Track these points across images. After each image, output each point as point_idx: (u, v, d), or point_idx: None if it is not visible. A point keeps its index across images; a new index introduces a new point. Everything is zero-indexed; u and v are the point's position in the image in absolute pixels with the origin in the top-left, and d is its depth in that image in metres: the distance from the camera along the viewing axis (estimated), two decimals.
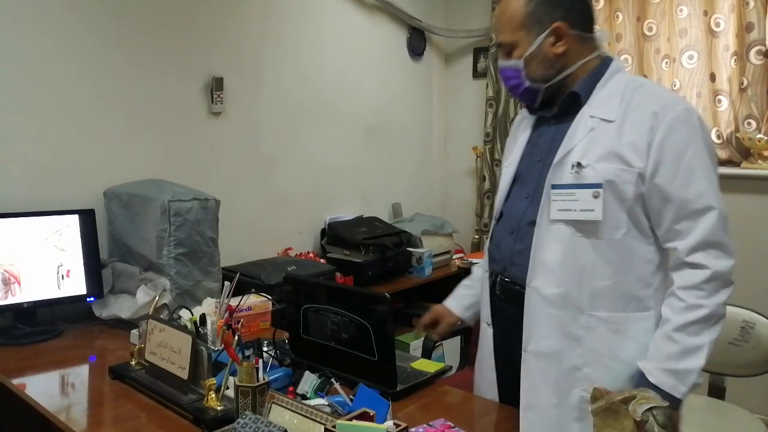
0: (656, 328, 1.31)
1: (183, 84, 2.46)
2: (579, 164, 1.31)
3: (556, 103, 1.41)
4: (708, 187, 1.26)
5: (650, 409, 1.07)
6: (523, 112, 1.54)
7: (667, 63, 2.96)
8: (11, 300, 1.87)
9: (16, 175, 2.03)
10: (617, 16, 3.08)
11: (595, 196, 1.28)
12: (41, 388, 1.57)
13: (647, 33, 3.00)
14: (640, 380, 1.27)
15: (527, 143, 1.47)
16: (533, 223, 1.37)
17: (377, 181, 3.39)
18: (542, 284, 1.34)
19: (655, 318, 1.32)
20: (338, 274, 2.65)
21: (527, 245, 1.37)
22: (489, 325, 1.53)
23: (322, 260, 2.79)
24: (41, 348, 1.83)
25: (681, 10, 2.89)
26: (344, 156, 3.19)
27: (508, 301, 1.45)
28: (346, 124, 3.19)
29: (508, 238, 1.44)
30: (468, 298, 1.68)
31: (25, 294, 1.89)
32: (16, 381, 1.58)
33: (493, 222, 1.52)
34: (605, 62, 1.38)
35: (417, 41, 3.59)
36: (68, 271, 1.98)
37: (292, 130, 2.91)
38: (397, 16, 3.42)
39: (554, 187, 1.34)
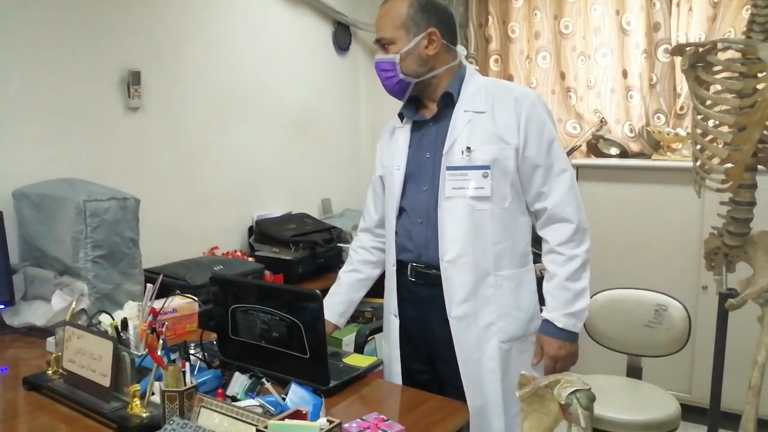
0: (535, 278, 1.64)
1: (97, 78, 2.34)
2: (468, 149, 1.56)
3: (426, 106, 1.67)
4: (562, 154, 1.58)
5: (574, 392, 1.12)
6: (394, 122, 1.74)
7: (582, 60, 3.09)
8: None
9: None
10: (535, 14, 3.19)
11: (485, 176, 1.55)
12: None
13: (564, 31, 3.12)
14: (546, 327, 1.58)
15: (410, 146, 1.67)
16: (437, 209, 1.58)
17: (306, 177, 3.36)
18: (454, 256, 1.56)
19: (534, 270, 1.65)
20: (267, 273, 2.61)
21: (437, 229, 1.58)
22: (396, 316, 1.69)
23: (250, 258, 2.74)
24: None
25: (595, 9, 3.03)
26: (271, 152, 3.14)
27: (424, 284, 1.63)
28: (272, 119, 3.14)
29: (418, 228, 1.63)
30: (340, 306, 1.81)
31: None
32: None
33: (393, 219, 1.68)
34: (463, 68, 1.65)
35: (342, 36, 3.58)
36: None
37: (215, 126, 2.84)
38: (322, 10, 3.40)
39: (449, 168, 1.57)
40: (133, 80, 2.43)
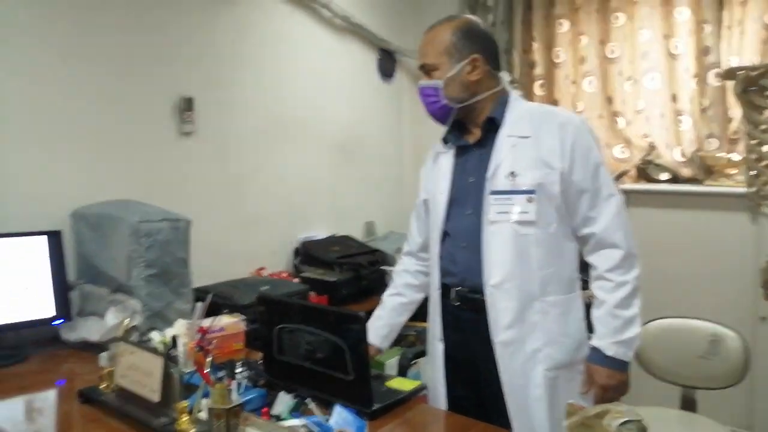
0: (583, 305, 1.60)
1: (152, 104, 2.44)
2: (512, 173, 1.55)
3: (470, 131, 1.67)
4: (608, 179, 1.56)
5: (625, 423, 1.08)
6: (437, 147, 1.75)
7: (630, 84, 3.05)
8: None
9: None
10: (580, 39, 3.17)
11: (529, 201, 1.53)
12: (6, 414, 1.52)
13: (610, 56, 3.09)
14: (595, 355, 1.54)
15: (454, 171, 1.67)
16: (480, 233, 1.57)
17: (350, 200, 3.40)
18: (498, 281, 1.55)
19: (581, 296, 1.62)
20: (312, 294, 2.62)
21: (480, 253, 1.57)
22: (440, 341, 1.68)
23: (295, 279, 2.76)
24: (5, 373, 1.77)
25: (642, 34, 2.99)
26: (316, 175, 3.19)
27: (468, 309, 1.61)
28: (318, 143, 3.20)
29: (462, 252, 1.62)
30: (383, 329, 1.82)
31: None
32: None
33: (437, 243, 1.68)
34: (507, 94, 1.66)
35: (387, 62, 3.63)
36: (34, 293, 1.93)
37: (263, 150, 2.91)
38: (367, 38, 3.46)
39: (493, 193, 1.56)
40: (186, 106, 2.52)
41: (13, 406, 1.58)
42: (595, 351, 1.54)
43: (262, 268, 2.81)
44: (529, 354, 1.55)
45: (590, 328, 1.59)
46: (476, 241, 1.58)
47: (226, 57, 2.72)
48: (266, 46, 2.90)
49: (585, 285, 1.63)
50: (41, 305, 1.94)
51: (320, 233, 3.12)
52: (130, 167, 2.37)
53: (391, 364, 2.28)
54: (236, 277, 2.57)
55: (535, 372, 1.55)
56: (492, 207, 1.56)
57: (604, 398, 1.52)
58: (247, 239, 2.82)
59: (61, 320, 1.98)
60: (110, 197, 2.20)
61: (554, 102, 3.27)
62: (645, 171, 3.03)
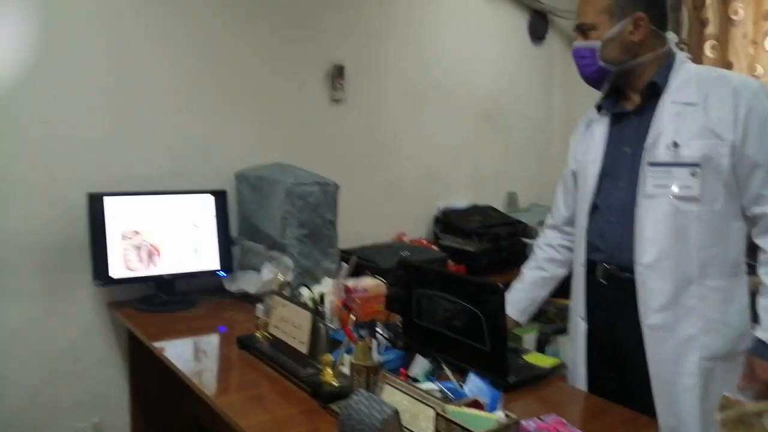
0: (748, 292, 1.46)
1: (306, 72, 2.56)
2: (675, 144, 1.42)
3: (628, 97, 1.55)
4: None
5: None
6: (591, 114, 1.65)
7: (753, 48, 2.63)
8: (154, 271, 2.06)
9: (160, 158, 2.21)
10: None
11: (693, 174, 1.40)
12: (177, 352, 1.72)
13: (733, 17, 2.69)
14: (759, 348, 1.39)
15: (607, 140, 1.57)
16: (634, 207, 1.47)
17: (493, 170, 3.34)
18: (651, 260, 1.44)
19: (747, 282, 1.47)
20: (450, 262, 2.65)
21: (633, 229, 1.47)
22: (583, 319, 1.61)
23: (434, 247, 2.80)
24: (177, 316, 2.00)
25: None
26: (460, 143, 3.17)
27: (615, 287, 1.52)
28: (462, 110, 3.17)
29: (612, 226, 1.53)
30: (522, 302, 1.78)
31: (165, 266, 2.08)
32: (156, 344, 1.74)
33: (585, 216, 1.59)
34: (672, 55, 1.52)
35: (538, 24, 3.47)
36: (203, 247, 2.15)
37: (409, 117, 2.94)
38: None
39: (651, 164, 1.45)
40: (337, 74, 2.61)
41: (183, 346, 1.79)
42: (760, 344, 1.40)
43: (403, 234, 2.87)
44: (681, 340, 1.45)
45: (755, 318, 1.44)
46: (629, 216, 1.49)
47: (375, 23, 2.76)
48: (414, 9, 2.90)
49: (752, 270, 1.47)
50: (208, 258, 2.16)
51: (461, 202, 3.11)
52: (286, 133, 2.52)
53: (529, 338, 2.25)
54: (378, 241, 2.66)
55: (688, 360, 1.44)
56: (649, 180, 1.45)
57: (766, 395, 1.39)
58: (390, 205, 2.90)
59: (224, 272, 2.19)
60: (268, 160, 2.37)
61: (728, 65, 2.93)
62: None
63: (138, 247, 2.03)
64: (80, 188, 1.99)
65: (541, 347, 1.98)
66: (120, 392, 2.19)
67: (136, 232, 2.03)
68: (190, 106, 2.27)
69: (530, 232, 2.96)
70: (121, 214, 2.01)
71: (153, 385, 2.19)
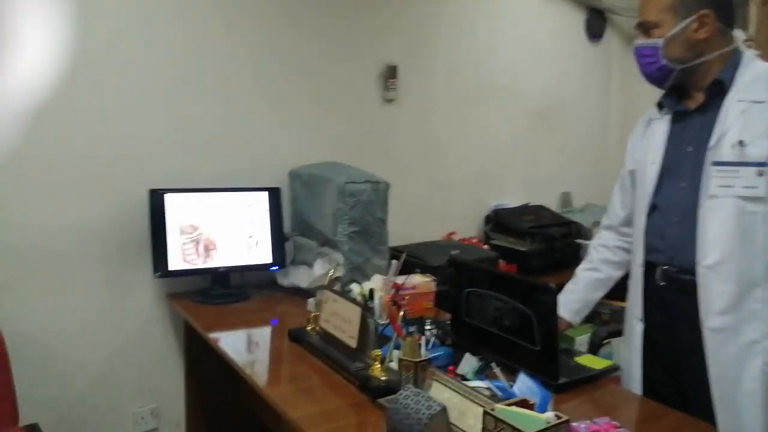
0: None
1: (360, 72, 2.58)
2: (741, 142, 1.37)
3: (690, 95, 1.50)
4: None
5: None
6: (651, 113, 1.61)
7: None
8: (210, 264, 2.12)
9: (218, 156, 2.28)
10: None
11: (760, 174, 1.35)
12: (231, 343, 1.77)
13: None
14: None
15: (668, 139, 1.53)
16: (696, 208, 1.43)
17: (546, 169, 3.29)
18: (714, 261, 1.40)
19: None
20: (502, 262, 2.62)
21: (694, 230, 1.43)
22: (640, 321, 1.56)
23: (485, 246, 2.78)
24: (232, 308, 2.06)
25: None
26: (512, 142, 3.14)
27: (675, 290, 1.48)
28: (515, 109, 3.13)
29: (673, 227, 1.49)
30: (575, 303, 1.74)
31: (220, 260, 2.14)
32: (211, 335, 1.80)
33: (643, 217, 1.55)
34: (739, 54, 1.47)
35: (595, 22, 3.39)
36: (257, 241, 2.20)
37: (461, 116, 2.93)
38: None
39: (715, 164, 1.40)
40: (390, 74, 2.62)
41: (237, 337, 1.84)
42: None
43: (453, 233, 2.86)
44: (744, 344, 1.39)
45: None
46: (690, 216, 1.44)
47: (430, 24, 2.76)
48: (468, 7, 2.89)
49: None
50: (262, 253, 2.20)
51: (513, 202, 3.08)
52: (338, 132, 2.55)
53: (582, 340, 2.20)
54: (428, 240, 2.66)
55: (750, 365, 1.39)
56: (713, 180, 1.40)
57: None
58: (441, 204, 2.89)
59: (277, 267, 2.23)
60: (321, 159, 2.40)
61: None
62: None
63: (196, 242, 2.10)
64: (142, 185, 2.08)
65: (594, 349, 1.93)
66: (176, 380, 2.27)
67: (194, 227, 2.10)
68: (248, 106, 2.32)
69: (585, 233, 2.90)
70: (180, 210, 2.08)
71: (207, 374, 2.25)
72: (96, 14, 2.00)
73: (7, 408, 1.74)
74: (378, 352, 1.41)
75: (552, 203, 3.26)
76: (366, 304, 1.61)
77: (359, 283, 1.75)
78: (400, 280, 1.76)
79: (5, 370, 1.77)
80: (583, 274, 1.78)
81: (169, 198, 2.06)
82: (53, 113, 1.95)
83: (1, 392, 1.75)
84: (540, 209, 3.04)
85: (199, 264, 2.10)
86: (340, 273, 1.99)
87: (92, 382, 2.10)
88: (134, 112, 2.09)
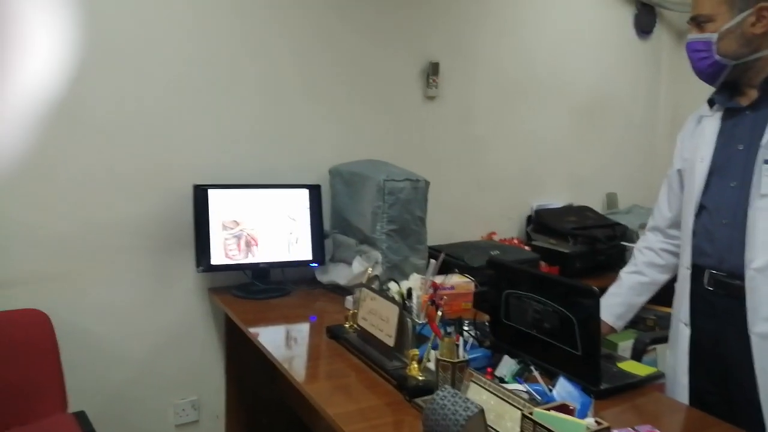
0: None
1: (403, 69, 2.58)
2: None
3: (743, 92, 1.46)
4: None
5: None
6: (702, 110, 1.56)
7: None
8: (251, 260, 2.16)
9: (261, 153, 2.31)
10: None
11: None
12: (271, 338, 1.80)
13: None
14: None
15: (719, 136, 1.49)
16: (747, 208, 1.39)
17: (591, 168, 3.23)
18: (763, 264, 1.36)
19: None
20: (543, 263, 2.59)
21: (744, 232, 1.39)
22: (687, 325, 1.52)
23: (526, 247, 2.74)
24: (272, 304, 2.09)
25: None
26: (555, 140, 3.09)
27: (724, 294, 1.45)
28: (559, 106, 3.08)
29: (722, 229, 1.45)
30: (618, 307, 1.71)
31: (261, 255, 2.17)
32: (251, 329, 1.83)
33: (691, 218, 1.51)
34: None
35: (645, 17, 3.30)
36: (297, 238, 2.22)
37: (503, 113, 2.90)
38: None
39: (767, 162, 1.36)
40: (432, 70, 2.61)
41: (276, 333, 1.86)
42: None
43: (493, 233, 2.84)
44: None
45: None
46: (741, 217, 1.40)
47: (472, 20, 2.74)
48: (511, 4, 2.85)
49: None
50: (302, 250, 2.23)
51: (556, 202, 3.03)
52: (379, 129, 2.55)
53: (625, 346, 2.15)
54: (468, 239, 2.64)
55: None
56: (765, 179, 1.36)
57: None
58: (481, 203, 2.87)
59: (317, 264, 2.26)
60: (361, 156, 2.41)
61: None
62: None
63: (237, 237, 2.14)
64: (187, 180, 2.13)
65: (637, 356, 1.88)
66: (217, 373, 2.32)
67: (237, 223, 2.14)
68: (291, 103, 2.35)
69: (630, 235, 2.84)
70: (223, 206, 2.12)
71: (247, 368, 2.30)
72: (146, 6, 2.05)
73: (56, 394, 1.82)
74: (415, 351, 1.41)
75: (597, 204, 3.19)
76: (404, 303, 1.61)
77: (397, 281, 1.75)
78: (439, 279, 1.76)
79: (55, 358, 1.85)
80: (627, 277, 1.75)
81: (212, 194, 2.11)
82: (107, 113, 2.01)
83: (51, 379, 1.82)
84: (584, 210, 2.99)
85: (241, 259, 2.14)
86: (378, 271, 2.00)
87: (136, 372, 2.16)
88: (180, 110, 2.14)
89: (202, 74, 2.17)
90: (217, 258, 2.11)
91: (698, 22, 1.44)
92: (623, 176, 3.35)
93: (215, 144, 2.22)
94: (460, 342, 1.34)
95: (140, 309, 2.15)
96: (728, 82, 1.47)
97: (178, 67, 2.13)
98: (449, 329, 1.41)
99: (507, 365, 1.43)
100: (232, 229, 2.14)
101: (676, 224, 1.63)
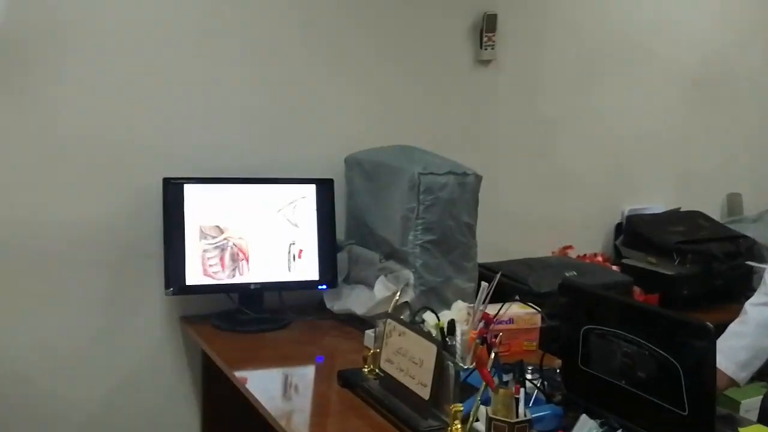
0: None
1: (443, 22, 2.59)
2: None
3: None
4: None
5: None
6: None
7: None
8: (238, 279, 2.18)
9: (251, 137, 2.33)
10: None
11: None
12: (263, 385, 1.80)
13: None
14: None
15: None
16: None
17: (706, 162, 3.21)
18: None
19: None
20: (637, 289, 2.56)
21: None
22: None
23: (614, 267, 2.73)
24: (266, 338, 2.10)
25: None
26: (658, 124, 3.07)
27: None
28: (661, 78, 3.06)
29: None
30: (742, 352, 1.72)
31: (252, 274, 2.19)
32: (238, 373, 1.83)
33: None
34: None
35: None
36: (300, 251, 2.23)
37: (582, 86, 2.89)
38: None
39: None
40: (487, 26, 2.60)
41: (271, 378, 1.88)
42: None
43: (569, 247, 2.82)
44: None
45: None
46: None
47: None
48: None
49: None
50: (306, 266, 2.24)
51: (657, 206, 3.03)
52: (414, 104, 2.56)
53: (750, 404, 2.14)
54: (534, 255, 2.62)
55: None
56: None
57: None
58: (553, 206, 2.85)
59: (326, 286, 2.26)
60: (388, 142, 2.41)
61: None
62: None
63: (221, 249, 2.16)
64: (155, 172, 2.14)
65: (767, 417, 1.86)
66: (190, 426, 2.33)
67: (220, 230, 2.16)
68: (293, 68, 2.36)
69: (759, 252, 2.82)
70: (202, 206, 2.15)
71: (230, 422, 2.30)
72: None
73: None
74: (459, 407, 1.40)
75: (713, 210, 3.17)
76: (444, 340, 1.60)
77: (435, 312, 1.74)
78: (493, 310, 1.74)
79: None
80: (755, 311, 1.75)
81: (188, 190, 2.13)
82: (45, 82, 2.05)
83: None
84: (695, 217, 2.98)
85: (224, 279, 2.16)
86: (408, 297, 1.99)
87: (85, 425, 2.19)
88: (146, 79, 2.17)
89: (175, 31, 2.20)
90: (193, 276, 2.13)
91: None
92: (751, 172, 3.34)
93: (192, 124, 2.25)
94: (521, 395, 1.33)
95: (90, 344, 2.18)
96: None
97: (142, 22, 2.15)
98: (506, 378, 1.40)
99: (585, 427, 1.42)
100: (213, 237, 2.16)
101: None
